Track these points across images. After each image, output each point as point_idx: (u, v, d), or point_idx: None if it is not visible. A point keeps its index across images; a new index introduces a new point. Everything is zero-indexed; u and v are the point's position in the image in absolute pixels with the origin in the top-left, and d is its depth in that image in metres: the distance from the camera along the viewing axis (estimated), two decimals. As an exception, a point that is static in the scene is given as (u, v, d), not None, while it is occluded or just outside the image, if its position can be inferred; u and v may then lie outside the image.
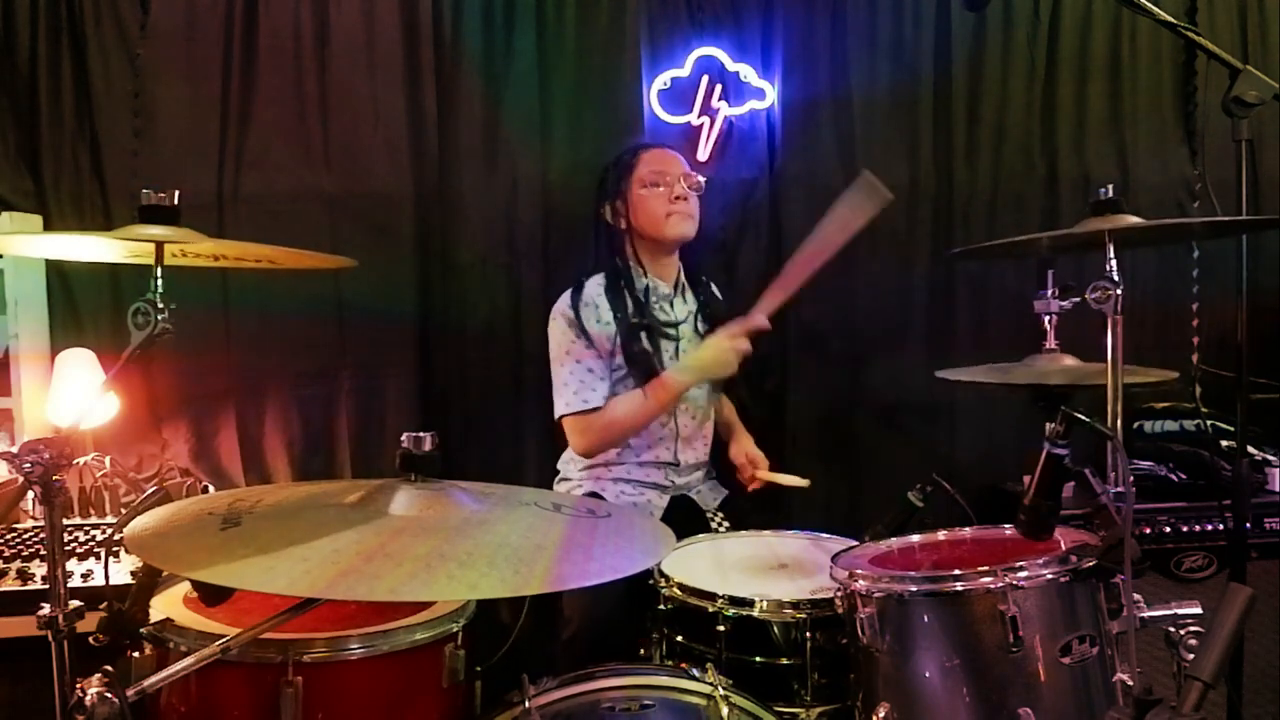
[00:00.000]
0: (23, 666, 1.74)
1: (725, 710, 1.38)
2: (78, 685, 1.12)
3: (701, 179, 2.38)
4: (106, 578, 1.57)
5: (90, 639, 1.32)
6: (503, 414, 2.67)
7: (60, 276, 2.46)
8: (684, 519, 2.25)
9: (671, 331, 2.33)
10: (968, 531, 1.77)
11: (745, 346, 2.14)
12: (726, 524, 2.29)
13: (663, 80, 2.76)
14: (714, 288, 2.51)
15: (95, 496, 2.26)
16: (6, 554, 1.95)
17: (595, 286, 2.30)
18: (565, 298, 2.30)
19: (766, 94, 2.80)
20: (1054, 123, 2.89)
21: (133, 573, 1.65)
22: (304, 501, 1.33)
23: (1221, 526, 2.30)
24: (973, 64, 2.86)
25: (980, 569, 1.45)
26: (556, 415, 2.26)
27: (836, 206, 2.05)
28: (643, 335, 2.26)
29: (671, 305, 2.37)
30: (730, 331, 2.14)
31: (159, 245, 1.37)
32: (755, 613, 1.66)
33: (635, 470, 2.31)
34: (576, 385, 2.21)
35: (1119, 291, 1.43)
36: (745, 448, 2.37)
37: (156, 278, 1.34)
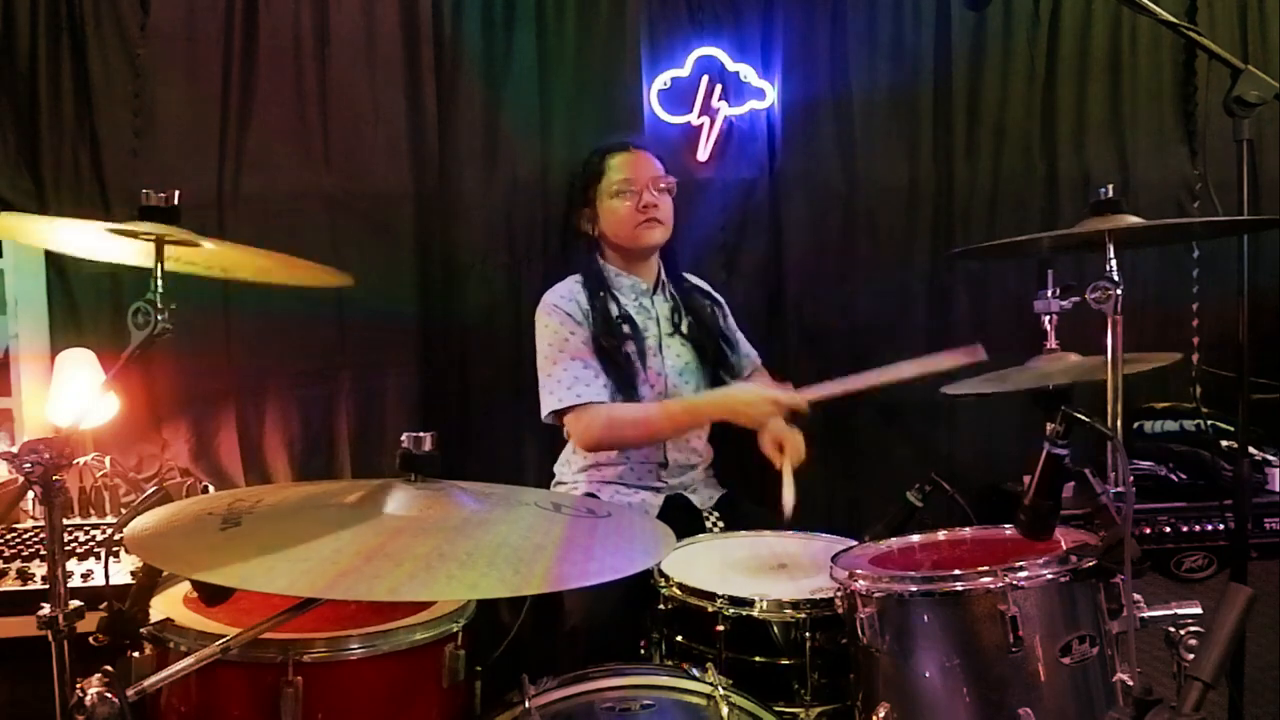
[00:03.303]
0: (23, 666, 1.74)
1: (725, 710, 1.38)
2: (78, 685, 1.12)
3: (673, 179, 2.35)
4: (106, 578, 1.57)
5: (90, 639, 1.32)
6: (503, 414, 2.66)
7: (60, 276, 2.45)
8: (679, 519, 2.24)
9: (650, 330, 2.32)
10: (968, 531, 1.77)
11: (791, 403, 2.09)
12: (722, 524, 2.28)
13: (663, 80, 2.76)
14: (697, 282, 2.49)
15: (95, 496, 2.26)
16: (6, 554, 1.95)
17: (575, 285, 2.31)
18: (557, 290, 2.30)
19: (766, 94, 2.80)
20: (1054, 123, 2.89)
21: (133, 573, 1.65)
22: (304, 501, 1.33)
23: (1221, 526, 2.30)
24: (973, 64, 2.86)
25: (980, 569, 1.45)
26: (546, 411, 2.21)
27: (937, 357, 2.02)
28: (615, 336, 2.24)
29: (652, 303, 2.37)
30: (776, 392, 2.10)
31: (159, 244, 1.36)
32: (755, 613, 1.66)
33: (628, 474, 2.31)
34: (570, 381, 2.18)
35: (1119, 291, 1.43)
36: (774, 432, 2.15)
37: (157, 278, 1.34)
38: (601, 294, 2.29)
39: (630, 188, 2.29)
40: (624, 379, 2.22)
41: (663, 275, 2.42)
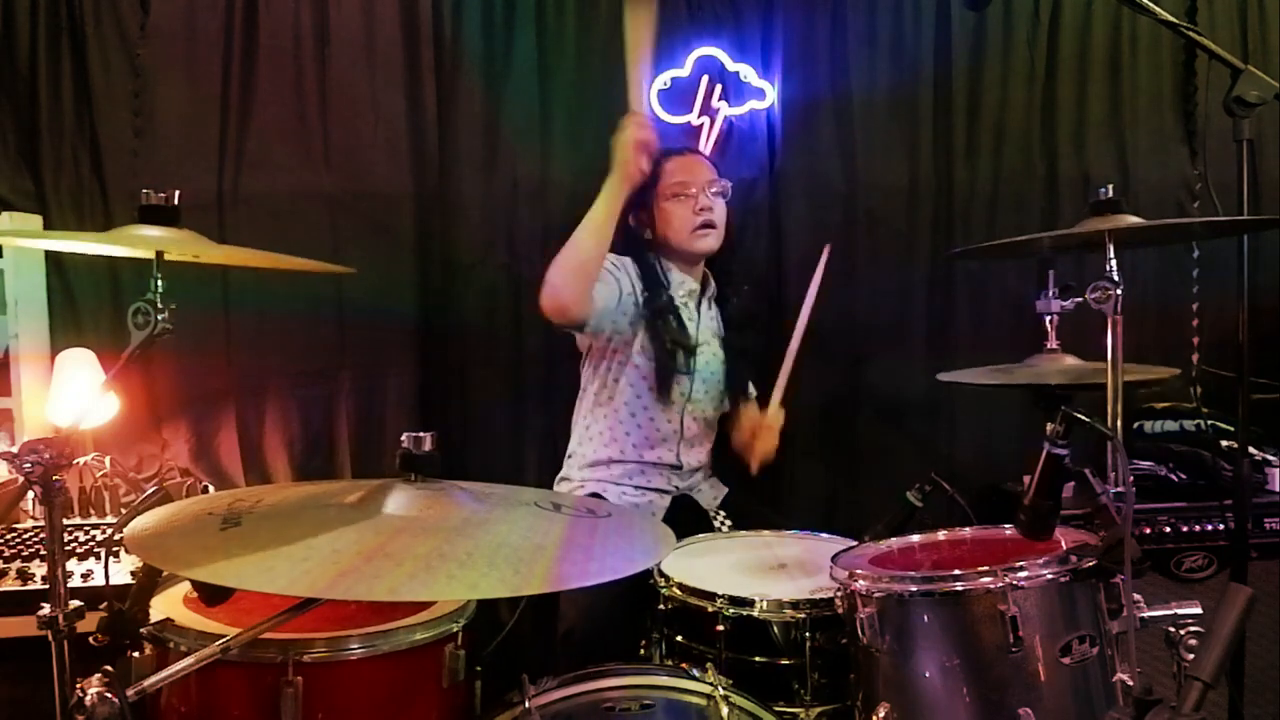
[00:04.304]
0: (23, 666, 1.74)
1: (725, 710, 1.38)
2: (78, 685, 1.12)
3: (727, 183, 2.35)
4: (106, 578, 1.57)
5: (90, 639, 1.32)
6: (503, 414, 2.67)
7: (60, 276, 2.46)
8: (686, 519, 2.25)
9: (690, 331, 2.30)
10: (968, 531, 1.77)
11: None
12: (729, 523, 2.29)
13: (663, 80, 2.76)
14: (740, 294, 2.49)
15: (95, 496, 2.26)
16: (6, 554, 1.95)
17: (629, 261, 2.27)
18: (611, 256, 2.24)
19: (766, 94, 2.80)
20: (1054, 123, 2.89)
21: (133, 573, 1.65)
22: (304, 501, 1.33)
23: (1221, 526, 2.30)
24: (973, 64, 2.86)
25: (980, 569, 1.45)
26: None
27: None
28: (664, 324, 2.24)
29: (697, 307, 2.36)
30: None
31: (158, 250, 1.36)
32: (755, 613, 1.66)
33: (637, 475, 2.31)
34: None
35: (1119, 292, 1.43)
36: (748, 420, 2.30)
37: (156, 278, 1.34)
38: (656, 284, 2.28)
39: (686, 190, 2.28)
40: (664, 370, 2.24)
41: (711, 284, 2.41)
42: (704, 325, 2.37)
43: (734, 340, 2.40)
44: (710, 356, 2.36)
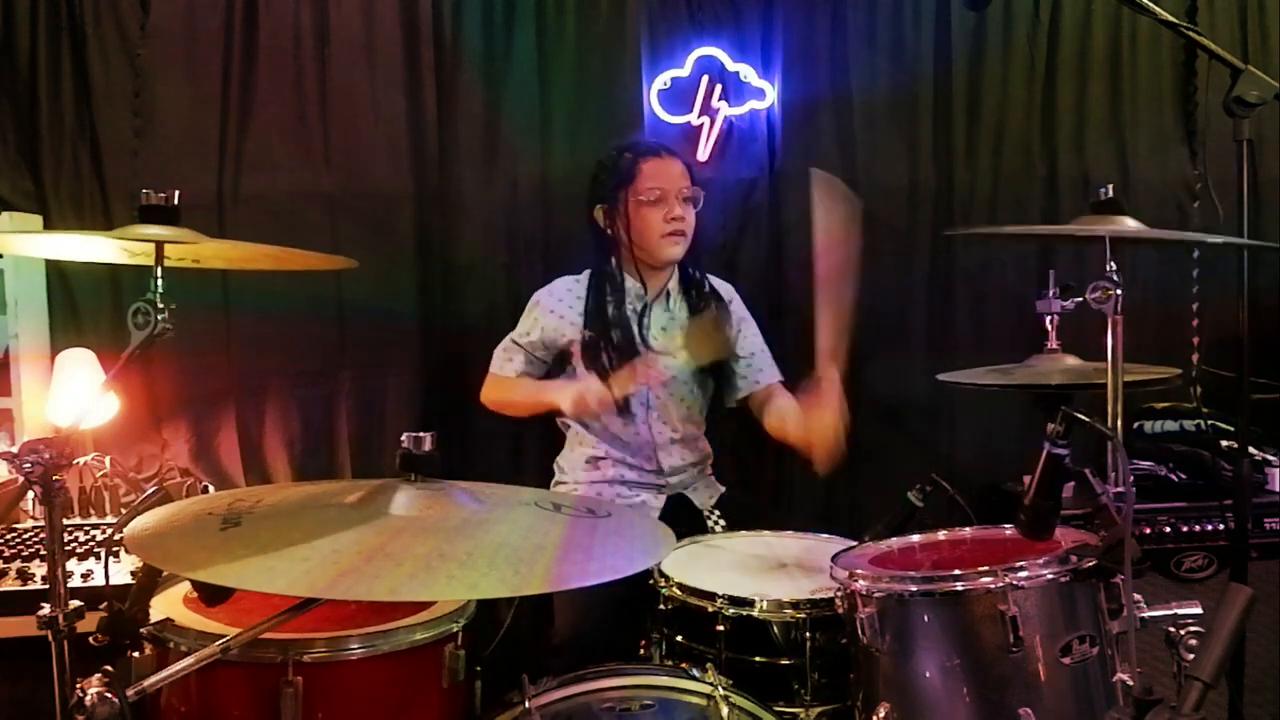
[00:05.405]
0: (23, 666, 1.74)
1: (725, 710, 1.38)
2: (78, 685, 1.12)
3: (700, 190, 2.32)
4: (106, 578, 1.57)
5: (90, 639, 1.32)
6: (503, 414, 2.66)
7: (60, 276, 2.46)
8: (680, 518, 2.24)
9: (637, 339, 2.29)
10: (968, 531, 1.77)
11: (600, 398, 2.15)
12: (723, 522, 2.28)
13: (663, 80, 2.76)
14: (720, 286, 2.45)
15: (95, 496, 2.26)
16: (6, 554, 1.95)
17: (577, 285, 2.33)
18: (556, 288, 2.35)
19: (766, 94, 2.80)
20: (1054, 123, 2.89)
21: (133, 573, 1.65)
22: (304, 501, 1.33)
23: (1221, 526, 2.30)
24: (973, 64, 2.86)
25: (980, 569, 1.45)
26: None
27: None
28: (607, 342, 2.24)
29: (649, 311, 2.33)
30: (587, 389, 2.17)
31: (159, 245, 1.36)
32: (755, 613, 1.66)
33: (627, 473, 2.31)
34: (505, 356, 2.39)
35: (1119, 292, 1.43)
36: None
37: (156, 278, 1.34)
38: (605, 298, 2.28)
39: (659, 196, 2.25)
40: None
41: (668, 285, 2.36)
42: (654, 328, 2.32)
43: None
44: (665, 363, 2.29)
